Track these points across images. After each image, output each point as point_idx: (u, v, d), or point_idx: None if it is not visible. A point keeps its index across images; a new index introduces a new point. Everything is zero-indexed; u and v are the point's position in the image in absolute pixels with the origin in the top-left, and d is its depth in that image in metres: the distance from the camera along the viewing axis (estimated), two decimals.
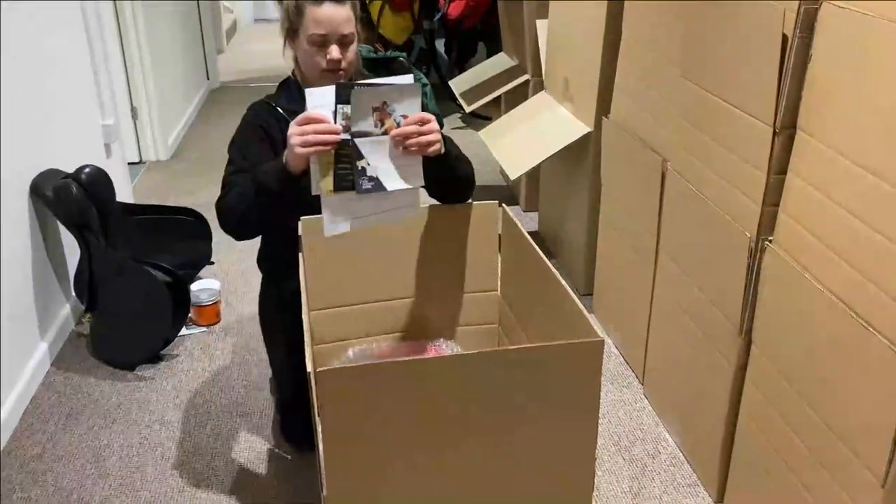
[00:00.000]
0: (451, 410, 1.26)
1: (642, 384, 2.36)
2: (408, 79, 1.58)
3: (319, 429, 1.24)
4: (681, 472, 2.03)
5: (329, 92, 1.54)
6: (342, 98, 1.53)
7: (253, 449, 2.12)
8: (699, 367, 1.92)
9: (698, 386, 1.94)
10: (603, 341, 1.27)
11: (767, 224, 1.61)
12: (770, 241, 1.61)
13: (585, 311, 1.38)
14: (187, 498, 1.96)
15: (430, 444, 1.28)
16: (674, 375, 2.09)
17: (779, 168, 1.57)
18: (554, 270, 1.53)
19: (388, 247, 1.82)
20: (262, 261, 2.18)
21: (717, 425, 1.86)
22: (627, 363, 2.47)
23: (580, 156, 2.72)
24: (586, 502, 1.38)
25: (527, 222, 3.48)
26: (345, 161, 1.57)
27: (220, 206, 1.82)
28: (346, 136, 1.55)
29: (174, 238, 2.87)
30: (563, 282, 1.47)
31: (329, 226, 1.59)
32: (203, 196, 3.84)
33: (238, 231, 1.82)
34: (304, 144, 1.54)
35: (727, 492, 1.87)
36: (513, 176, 2.70)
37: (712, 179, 1.79)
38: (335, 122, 1.55)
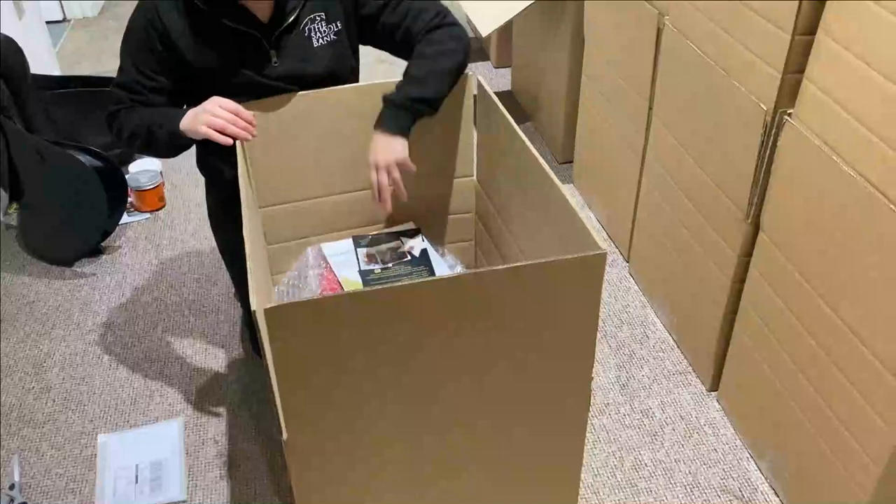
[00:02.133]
0: (429, 345, 1.07)
1: (627, 262, 2.19)
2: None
3: (272, 372, 1.05)
4: (671, 358, 1.90)
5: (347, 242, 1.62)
6: (360, 244, 1.62)
7: (209, 352, 1.95)
8: (695, 251, 1.75)
9: (694, 270, 1.77)
10: (606, 253, 1.07)
11: (787, 95, 1.38)
12: (789, 115, 1.38)
13: (578, 211, 1.17)
14: (140, 410, 1.80)
15: (406, 383, 1.10)
16: (664, 256, 1.92)
17: (806, 27, 1.31)
18: (540, 160, 1.30)
19: (344, 133, 1.56)
20: (203, 164, 1.77)
21: (714, 313, 1.71)
22: (611, 239, 2.29)
23: (560, 5, 2.40)
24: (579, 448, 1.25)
25: (498, 80, 3.18)
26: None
27: (112, 128, 1.55)
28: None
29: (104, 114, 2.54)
30: (550, 171, 1.25)
31: None
32: None
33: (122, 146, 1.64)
34: (212, 126, 1.40)
35: (722, 382, 1.76)
36: (484, 32, 2.39)
37: (721, 39, 1.53)
38: (358, 263, 1.56)
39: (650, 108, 1.91)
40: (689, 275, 1.80)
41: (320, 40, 1.54)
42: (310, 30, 1.52)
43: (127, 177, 2.39)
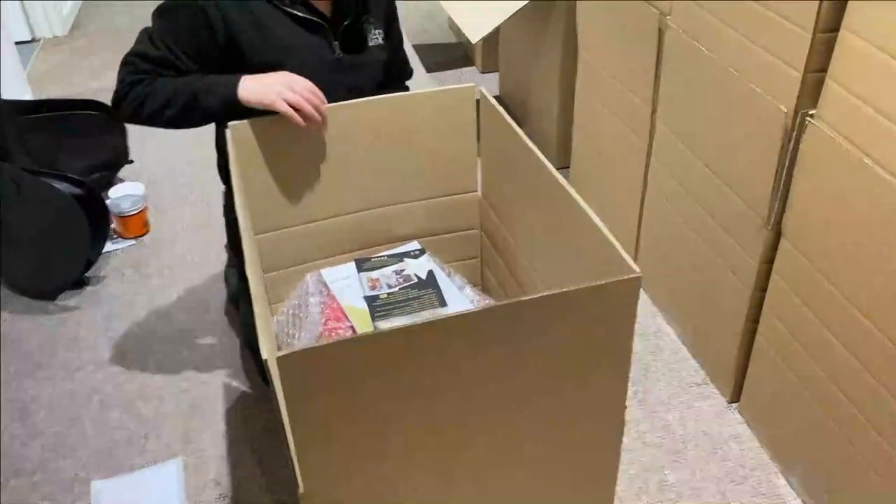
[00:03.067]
0: (455, 384, 0.99)
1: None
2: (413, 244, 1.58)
3: (285, 420, 0.97)
4: (686, 370, 1.84)
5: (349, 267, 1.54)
6: (363, 268, 1.53)
7: (206, 386, 1.85)
8: (710, 260, 1.68)
9: (709, 279, 1.71)
10: (640, 276, 0.99)
11: (809, 95, 1.32)
12: (811, 116, 1.32)
13: (603, 228, 1.10)
14: (136, 452, 1.70)
15: (433, 425, 1.02)
16: (675, 265, 1.85)
17: (827, 24, 1.25)
18: (550, 167, 1.23)
19: (340, 152, 1.47)
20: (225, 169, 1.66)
21: (733, 323, 1.65)
22: None
23: (549, 5, 2.34)
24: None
25: (485, 85, 3.10)
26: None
27: (128, 95, 1.48)
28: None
29: (81, 138, 2.45)
30: (567, 185, 1.18)
31: None
32: (112, 77, 3.34)
33: (137, 121, 1.50)
34: (288, 101, 1.33)
35: (743, 393, 1.69)
36: (474, 39, 2.32)
37: (732, 39, 1.46)
38: (362, 289, 1.49)
39: (653, 112, 1.84)
40: (703, 284, 1.73)
41: (372, 40, 1.55)
42: (365, 28, 1.53)
43: (108, 203, 2.29)
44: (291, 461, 1.03)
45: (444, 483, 1.09)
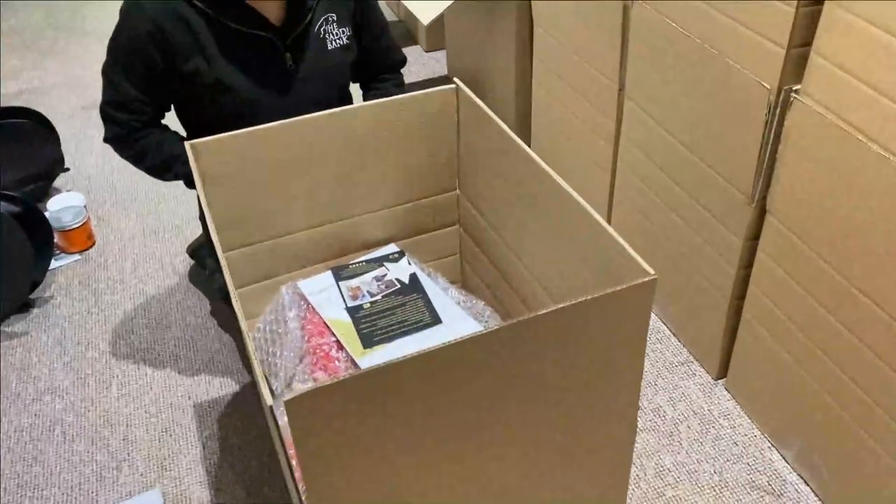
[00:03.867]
0: (469, 407, 0.94)
1: None
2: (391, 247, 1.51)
3: (294, 464, 0.90)
4: (670, 349, 1.82)
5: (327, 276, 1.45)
6: (341, 277, 1.45)
7: (175, 406, 1.75)
8: (690, 239, 1.66)
9: (690, 259, 1.68)
10: (656, 279, 0.95)
11: (792, 71, 1.29)
12: (796, 92, 1.29)
13: (596, 215, 1.06)
14: (108, 486, 1.60)
15: (447, 452, 0.96)
16: (652, 247, 1.82)
17: None
18: (538, 160, 1.18)
19: (307, 162, 1.38)
20: None
21: (717, 301, 1.63)
22: None
23: None
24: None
25: (432, 65, 3.03)
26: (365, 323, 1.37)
27: (122, 153, 1.58)
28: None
29: (11, 149, 2.27)
30: (551, 171, 1.13)
31: None
32: (33, 77, 3.14)
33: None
34: None
35: (730, 370, 1.69)
36: (426, 21, 2.23)
37: (707, 14, 1.42)
38: (343, 300, 1.41)
39: (621, 90, 1.80)
40: (685, 264, 1.71)
41: (333, 42, 1.46)
42: (324, 31, 1.42)
43: (47, 216, 2.14)
44: (297, 495, 0.96)
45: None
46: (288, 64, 1.41)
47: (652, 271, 0.96)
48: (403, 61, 1.70)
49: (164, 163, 1.52)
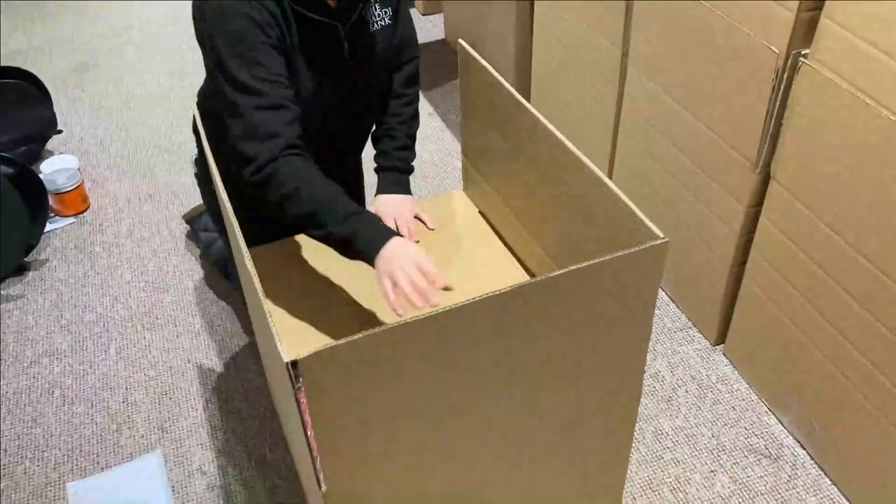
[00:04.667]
0: (478, 370, 0.94)
1: None
2: None
3: (307, 420, 0.90)
4: (668, 315, 1.83)
5: None
6: None
7: (174, 369, 1.75)
8: (693, 205, 1.66)
9: (692, 225, 1.69)
10: (669, 241, 0.95)
11: (801, 35, 1.28)
12: (804, 56, 1.29)
13: (604, 177, 1.05)
14: (109, 448, 1.60)
15: (457, 412, 0.97)
16: (653, 212, 1.81)
17: None
18: (545, 122, 1.16)
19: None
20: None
21: (718, 266, 1.64)
22: None
23: None
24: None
25: (429, 29, 2.99)
26: None
27: (270, 183, 1.21)
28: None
29: (2, 110, 2.24)
30: (560, 135, 1.12)
31: None
32: (23, 39, 3.08)
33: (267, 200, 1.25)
34: (397, 283, 1.12)
35: (729, 335, 1.70)
36: None
37: None
38: None
39: (624, 55, 1.78)
40: (686, 229, 1.71)
41: (376, 24, 1.37)
42: (366, 13, 1.35)
43: (41, 178, 2.12)
44: (312, 458, 0.96)
45: (465, 470, 1.05)
46: (345, 50, 1.34)
47: (662, 234, 0.95)
48: (415, 58, 1.55)
49: (338, 236, 1.22)
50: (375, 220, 1.22)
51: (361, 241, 1.18)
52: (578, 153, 1.12)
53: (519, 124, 1.25)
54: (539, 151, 1.22)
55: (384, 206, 1.51)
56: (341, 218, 1.18)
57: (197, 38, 1.32)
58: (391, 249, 1.16)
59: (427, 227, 1.51)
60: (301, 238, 1.47)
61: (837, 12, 1.20)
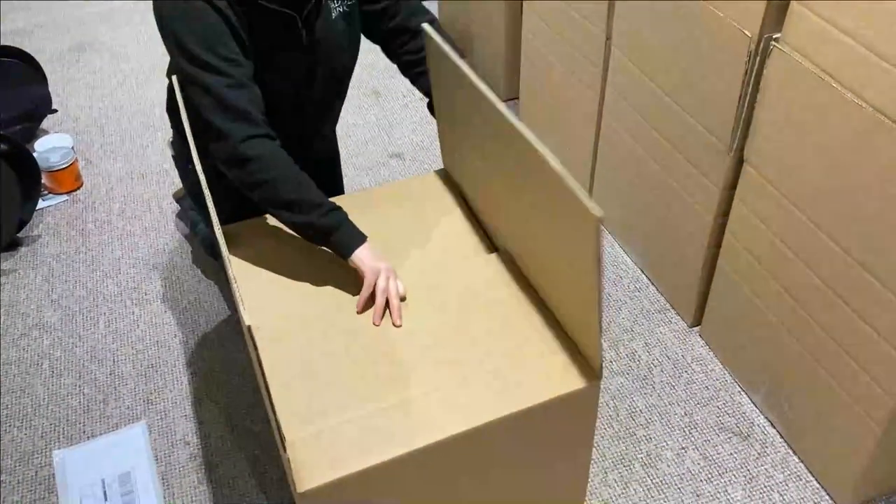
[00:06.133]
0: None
1: None
2: None
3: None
4: (647, 297, 1.86)
5: None
6: None
7: (161, 344, 1.79)
8: (670, 187, 1.68)
9: (669, 207, 1.71)
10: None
11: (773, 19, 1.30)
12: (776, 40, 1.31)
13: (555, 162, 1.04)
14: (95, 418, 1.64)
15: None
16: (633, 194, 1.85)
17: None
18: (500, 106, 1.14)
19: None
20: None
21: (694, 249, 1.66)
22: None
23: None
24: None
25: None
26: None
27: (245, 166, 1.26)
28: None
29: None
30: (514, 119, 1.10)
31: None
32: (19, 18, 3.11)
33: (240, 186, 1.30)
34: (374, 289, 1.24)
35: (705, 317, 1.73)
36: None
37: None
38: None
39: (608, 39, 1.80)
40: (664, 212, 1.74)
41: (335, 10, 1.40)
42: (325, 3, 1.38)
43: (35, 156, 2.15)
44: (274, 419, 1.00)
45: None
46: (303, 39, 1.36)
47: (599, 213, 0.94)
48: (434, 19, 1.50)
49: (309, 223, 1.31)
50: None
51: (341, 235, 1.28)
52: (528, 135, 1.09)
53: (474, 105, 1.25)
54: (490, 132, 1.20)
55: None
56: (325, 210, 1.27)
57: (158, 26, 1.32)
58: (367, 250, 1.27)
59: None
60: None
61: None
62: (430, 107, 1.50)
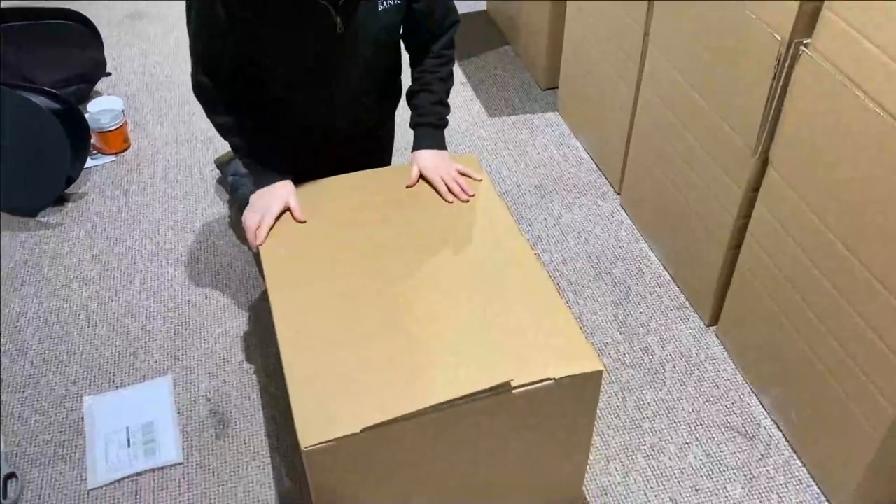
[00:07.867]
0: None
1: (619, 194, 2.14)
2: None
3: None
4: (667, 293, 1.88)
5: None
6: None
7: (192, 304, 1.87)
8: (696, 186, 1.69)
9: (694, 205, 1.72)
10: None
11: (804, 25, 1.30)
12: (805, 46, 1.31)
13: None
14: (125, 369, 1.72)
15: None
16: (661, 190, 1.86)
17: None
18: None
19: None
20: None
21: (715, 249, 1.68)
22: (601, 170, 2.23)
23: None
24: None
25: (472, 2, 3.03)
26: None
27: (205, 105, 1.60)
28: None
29: (54, 49, 2.37)
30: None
31: None
32: None
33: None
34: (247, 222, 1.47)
35: (722, 317, 1.74)
36: None
37: None
38: None
39: (646, 35, 1.81)
40: (688, 209, 1.75)
41: (384, 3, 1.43)
42: None
43: (86, 117, 2.24)
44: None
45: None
46: (338, 28, 1.40)
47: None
48: (455, 23, 1.59)
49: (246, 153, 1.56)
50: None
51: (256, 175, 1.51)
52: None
53: None
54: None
55: (424, 163, 1.53)
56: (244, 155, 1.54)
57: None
58: (262, 193, 1.49)
59: (475, 179, 1.53)
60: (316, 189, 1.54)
61: (839, 4, 1.23)
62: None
